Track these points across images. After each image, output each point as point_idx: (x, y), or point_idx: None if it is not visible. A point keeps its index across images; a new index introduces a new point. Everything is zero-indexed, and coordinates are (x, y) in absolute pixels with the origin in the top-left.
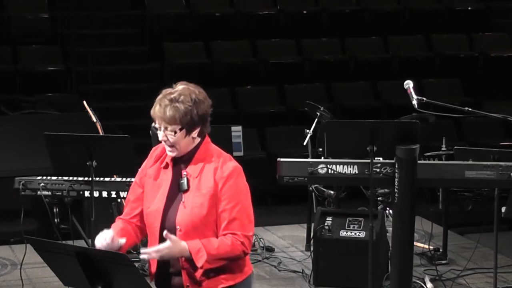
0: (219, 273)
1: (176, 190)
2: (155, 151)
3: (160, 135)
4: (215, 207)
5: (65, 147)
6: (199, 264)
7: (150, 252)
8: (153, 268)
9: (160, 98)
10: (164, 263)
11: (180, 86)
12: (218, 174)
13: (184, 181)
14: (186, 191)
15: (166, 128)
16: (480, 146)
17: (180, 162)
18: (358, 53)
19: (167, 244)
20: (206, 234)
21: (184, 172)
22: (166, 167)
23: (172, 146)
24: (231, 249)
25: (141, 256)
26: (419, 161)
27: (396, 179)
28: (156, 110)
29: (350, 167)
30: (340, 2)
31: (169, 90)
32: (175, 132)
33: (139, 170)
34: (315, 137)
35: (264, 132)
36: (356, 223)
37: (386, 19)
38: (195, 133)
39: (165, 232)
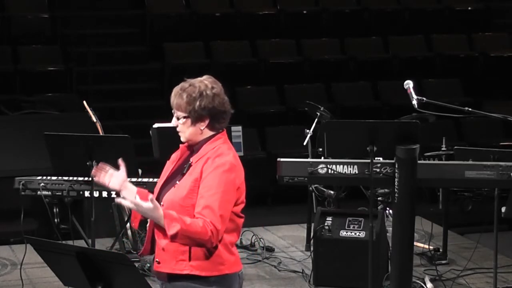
0: (188, 258)
1: (178, 173)
2: None
3: (173, 120)
4: (196, 192)
5: (65, 147)
6: (170, 232)
7: (128, 199)
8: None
9: (177, 86)
10: (153, 240)
11: (199, 78)
12: (207, 164)
13: (186, 166)
14: (184, 175)
15: (175, 114)
16: (480, 146)
17: (192, 151)
18: (358, 53)
19: (146, 204)
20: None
21: (190, 159)
22: (182, 154)
23: (179, 131)
24: (200, 231)
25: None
26: (419, 161)
27: (396, 179)
28: (171, 96)
29: (350, 167)
30: (340, 2)
31: (189, 80)
32: (178, 119)
33: None
34: (315, 137)
35: (264, 132)
36: (356, 223)
37: (386, 19)
38: (202, 125)
39: (150, 195)
